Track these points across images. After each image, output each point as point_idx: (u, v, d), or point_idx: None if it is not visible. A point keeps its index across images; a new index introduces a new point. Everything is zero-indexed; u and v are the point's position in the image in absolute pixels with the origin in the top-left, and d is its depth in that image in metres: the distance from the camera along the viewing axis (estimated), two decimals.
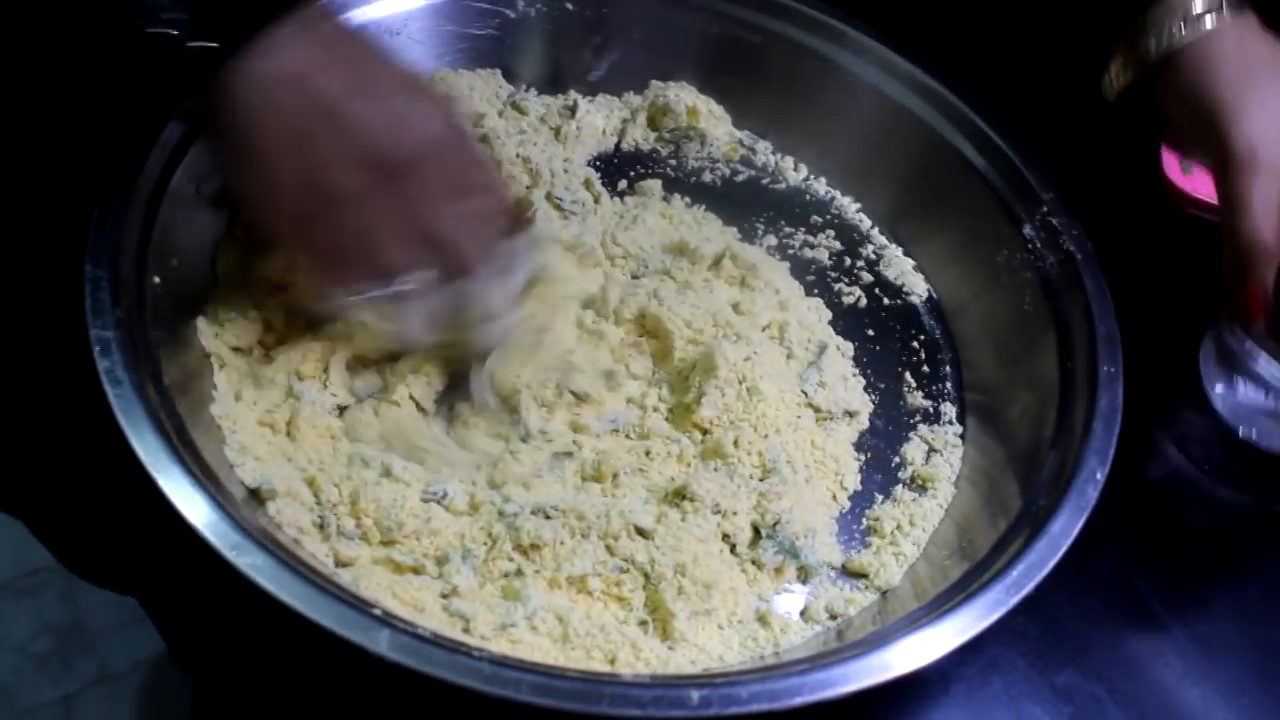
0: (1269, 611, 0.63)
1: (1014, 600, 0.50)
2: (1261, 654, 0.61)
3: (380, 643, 0.43)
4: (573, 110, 0.75)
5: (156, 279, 0.55)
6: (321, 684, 0.51)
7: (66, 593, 1.38)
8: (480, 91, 0.75)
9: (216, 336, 0.58)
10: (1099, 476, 0.55)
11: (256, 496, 0.53)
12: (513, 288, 0.58)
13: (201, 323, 0.58)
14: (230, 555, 0.45)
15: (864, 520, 0.61)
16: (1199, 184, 0.83)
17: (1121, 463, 0.67)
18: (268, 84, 0.49)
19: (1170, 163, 0.82)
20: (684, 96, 0.77)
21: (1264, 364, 0.65)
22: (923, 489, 0.62)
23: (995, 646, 0.58)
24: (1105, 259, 0.76)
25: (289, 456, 0.55)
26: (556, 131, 0.75)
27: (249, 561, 0.45)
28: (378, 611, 0.45)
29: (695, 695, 0.44)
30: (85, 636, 1.35)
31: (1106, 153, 0.86)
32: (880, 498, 0.62)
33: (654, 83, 0.78)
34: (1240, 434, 0.67)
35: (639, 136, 0.77)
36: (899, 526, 0.60)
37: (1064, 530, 0.53)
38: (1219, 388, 0.68)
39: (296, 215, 0.52)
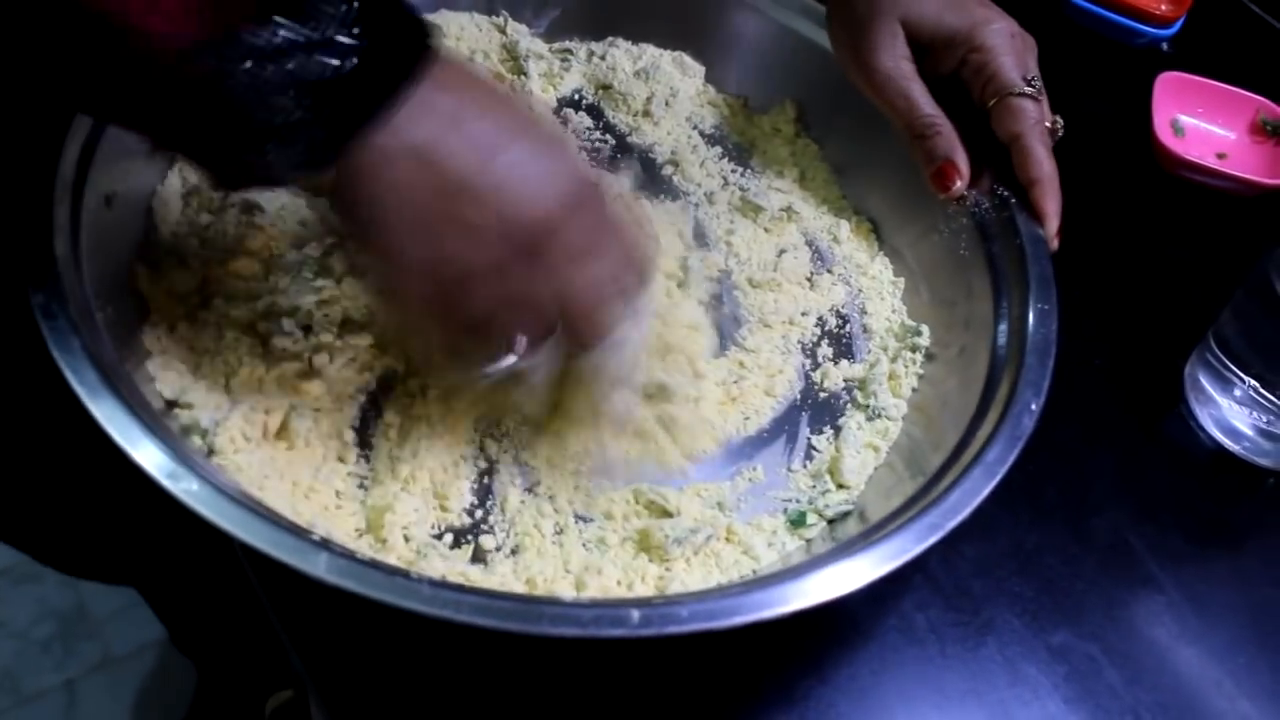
0: (1265, 572, 0.63)
1: (952, 523, 0.50)
2: (1256, 615, 0.61)
3: (318, 566, 0.43)
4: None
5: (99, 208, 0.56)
6: (318, 653, 0.51)
7: (69, 579, 1.38)
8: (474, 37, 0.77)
9: (154, 283, 0.58)
10: (1034, 407, 0.55)
11: (173, 407, 0.53)
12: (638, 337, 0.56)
13: (139, 267, 0.58)
14: (166, 483, 0.44)
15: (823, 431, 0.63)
16: (1190, 146, 0.83)
17: (1115, 424, 0.68)
18: (392, 163, 0.46)
19: (1161, 125, 0.82)
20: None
21: (1247, 386, 0.65)
22: (872, 419, 0.63)
23: (991, 607, 0.58)
24: (1098, 224, 0.77)
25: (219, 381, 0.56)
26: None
27: (185, 488, 0.44)
28: (316, 536, 0.45)
29: (636, 614, 0.44)
30: (88, 622, 1.36)
31: (1095, 114, 0.86)
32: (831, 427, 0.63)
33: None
34: (1229, 450, 0.67)
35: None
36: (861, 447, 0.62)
37: (999, 458, 0.53)
38: (1206, 407, 0.68)
39: (426, 299, 0.49)
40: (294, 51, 0.42)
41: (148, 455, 0.45)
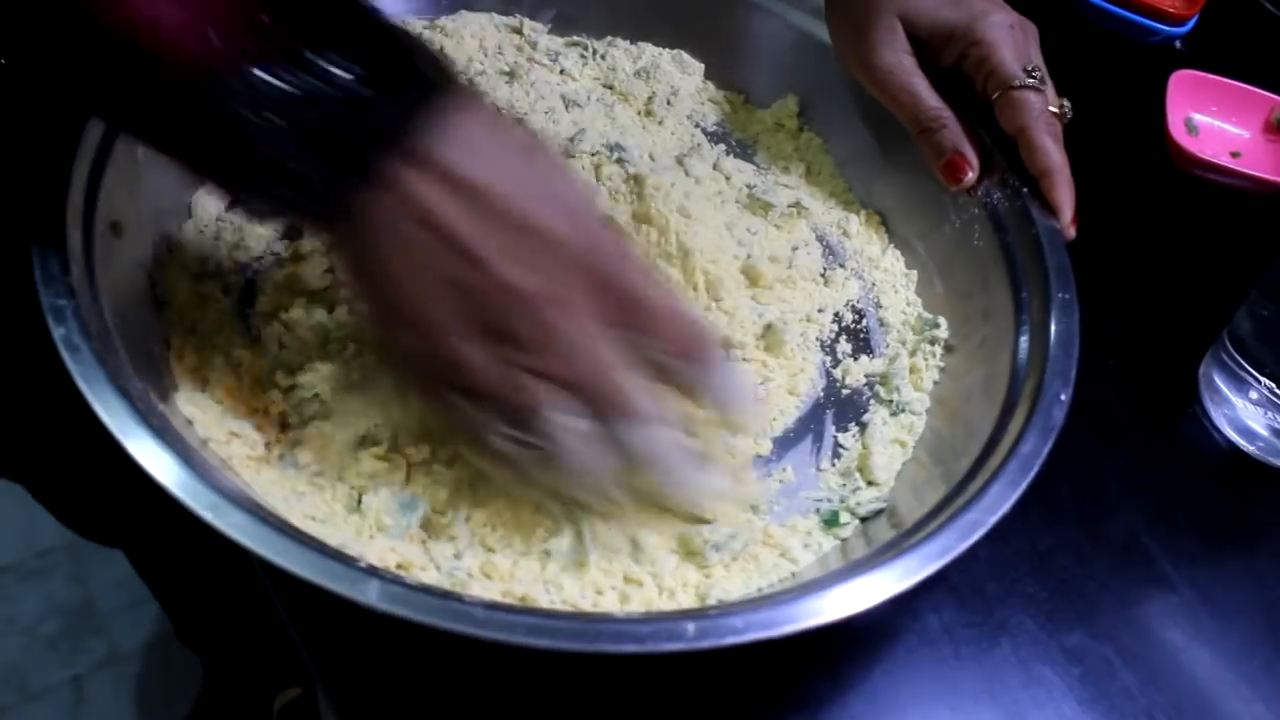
0: (1278, 572, 0.62)
1: (994, 519, 0.50)
2: (1271, 616, 0.60)
3: (369, 594, 0.43)
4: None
5: (111, 230, 0.55)
6: (329, 651, 0.51)
7: (75, 574, 1.38)
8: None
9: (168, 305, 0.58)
10: (1063, 398, 0.55)
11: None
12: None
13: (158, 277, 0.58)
14: (208, 516, 0.44)
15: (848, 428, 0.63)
16: (1204, 145, 0.82)
17: (1129, 424, 0.68)
18: (395, 220, 0.44)
19: (1175, 123, 0.82)
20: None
21: (1263, 387, 0.65)
22: (896, 414, 0.63)
23: (1004, 609, 0.57)
24: (1112, 223, 0.76)
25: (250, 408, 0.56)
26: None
27: (229, 521, 0.44)
28: (363, 564, 0.44)
29: (691, 627, 0.44)
30: (94, 617, 1.36)
31: (1109, 112, 0.86)
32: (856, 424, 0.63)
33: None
34: (1244, 450, 0.67)
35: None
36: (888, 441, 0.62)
37: (1034, 451, 0.53)
38: (1221, 408, 0.68)
39: (415, 361, 0.48)
40: (297, 96, 0.42)
41: (187, 488, 0.44)
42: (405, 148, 0.44)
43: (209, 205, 0.63)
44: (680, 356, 0.48)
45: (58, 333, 0.47)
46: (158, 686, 1.32)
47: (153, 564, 1.04)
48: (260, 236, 0.63)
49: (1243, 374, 0.65)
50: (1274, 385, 0.64)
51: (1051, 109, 0.64)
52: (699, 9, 0.78)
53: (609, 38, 0.79)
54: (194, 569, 0.98)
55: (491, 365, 0.46)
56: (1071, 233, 0.63)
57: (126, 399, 0.46)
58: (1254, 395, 0.65)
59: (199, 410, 0.53)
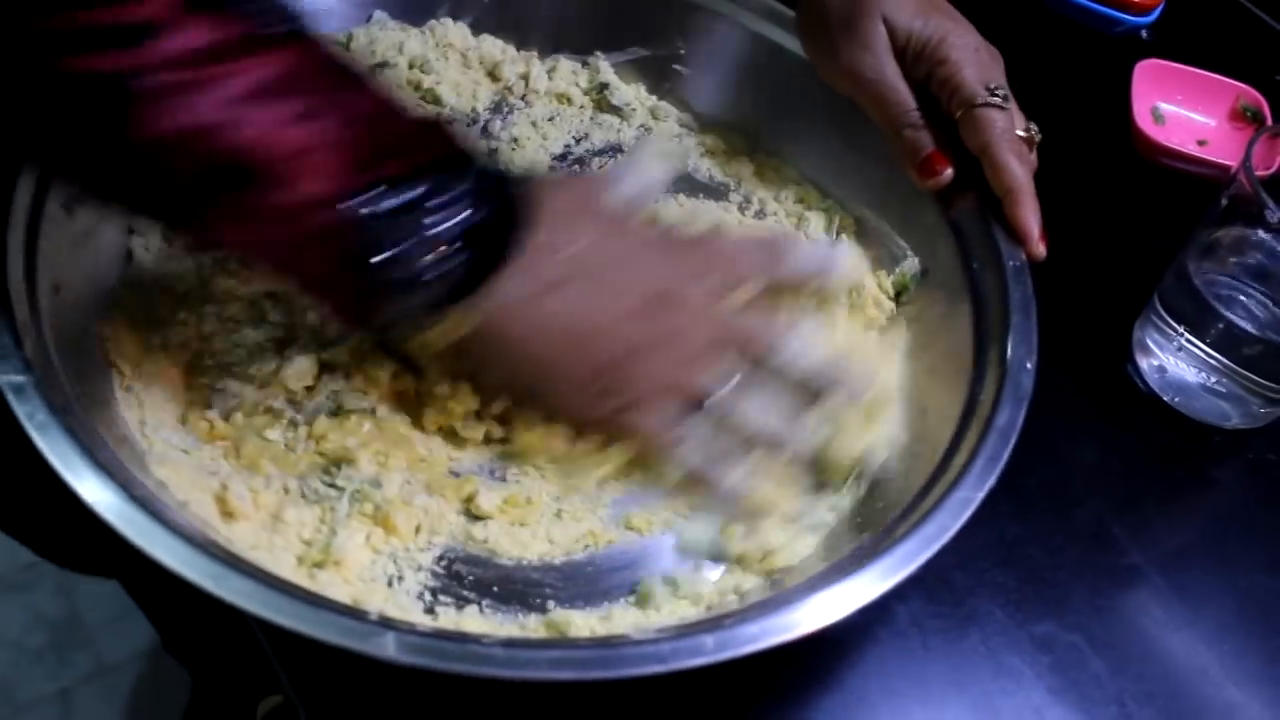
0: (1248, 558, 0.63)
1: (985, 489, 0.51)
2: (1242, 600, 0.61)
3: (387, 648, 0.42)
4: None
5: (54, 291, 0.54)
6: (301, 662, 0.50)
7: (61, 587, 1.38)
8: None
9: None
10: (1029, 365, 0.56)
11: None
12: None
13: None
14: (209, 585, 0.44)
15: None
16: (1171, 134, 0.83)
17: (1095, 414, 0.68)
18: (525, 306, 0.52)
19: (1141, 113, 0.82)
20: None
21: (1188, 345, 0.66)
22: None
23: (973, 599, 0.58)
24: (1079, 214, 0.77)
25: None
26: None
27: (234, 588, 0.44)
28: (374, 615, 0.44)
29: (710, 640, 0.44)
30: (81, 630, 1.36)
31: (1075, 102, 0.86)
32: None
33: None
34: (1170, 403, 0.68)
35: None
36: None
37: (1009, 423, 0.54)
38: (1150, 363, 0.69)
39: (597, 399, 0.54)
40: (425, 209, 0.48)
41: (190, 564, 0.45)
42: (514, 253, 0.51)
43: (145, 258, 0.61)
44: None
45: (21, 410, 0.46)
46: (145, 698, 1.31)
47: (137, 580, 1.03)
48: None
49: (1205, 355, 0.66)
50: (1192, 337, 0.65)
51: (1019, 133, 0.63)
52: (666, 21, 0.76)
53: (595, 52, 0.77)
54: (179, 583, 0.98)
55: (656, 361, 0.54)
56: (1041, 251, 0.62)
57: (107, 476, 0.46)
58: (1214, 380, 0.66)
59: (172, 472, 0.53)
